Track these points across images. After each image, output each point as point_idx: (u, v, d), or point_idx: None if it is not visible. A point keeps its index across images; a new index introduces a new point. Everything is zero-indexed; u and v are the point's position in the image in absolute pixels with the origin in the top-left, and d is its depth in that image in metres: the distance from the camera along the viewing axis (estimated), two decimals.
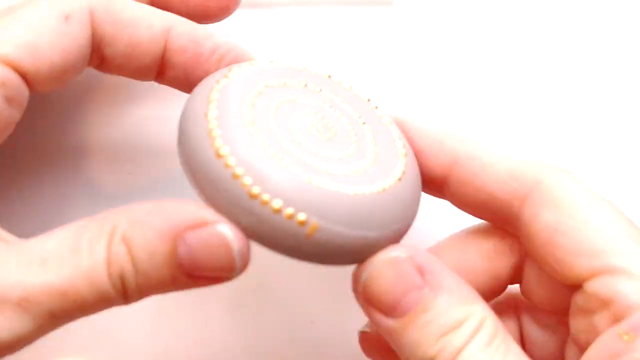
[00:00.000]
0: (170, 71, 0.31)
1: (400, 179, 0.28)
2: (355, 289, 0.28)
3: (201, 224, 0.26)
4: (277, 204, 0.26)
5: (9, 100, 0.28)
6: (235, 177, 0.26)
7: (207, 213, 0.26)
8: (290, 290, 0.37)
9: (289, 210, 0.26)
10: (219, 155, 0.26)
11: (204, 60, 0.31)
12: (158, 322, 0.38)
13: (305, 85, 0.29)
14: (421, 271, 0.27)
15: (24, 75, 0.29)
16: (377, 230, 0.27)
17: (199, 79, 0.30)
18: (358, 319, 0.31)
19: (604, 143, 0.37)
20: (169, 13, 0.31)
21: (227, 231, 0.26)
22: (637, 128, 0.37)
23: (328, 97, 0.30)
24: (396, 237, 0.28)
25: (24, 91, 0.29)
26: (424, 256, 0.27)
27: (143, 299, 0.27)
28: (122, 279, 0.26)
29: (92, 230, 0.26)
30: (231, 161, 0.26)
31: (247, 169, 0.26)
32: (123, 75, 0.32)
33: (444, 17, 0.38)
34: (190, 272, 0.26)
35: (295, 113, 0.28)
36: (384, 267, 0.27)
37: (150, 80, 0.32)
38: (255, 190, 0.26)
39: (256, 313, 0.37)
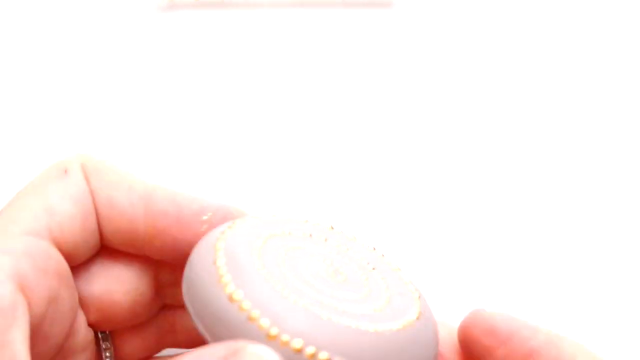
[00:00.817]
0: (157, 239, 0.30)
1: (418, 318, 0.28)
2: None
3: (234, 353, 0.25)
4: (297, 343, 0.25)
5: (44, 270, 0.27)
6: (251, 319, 0.25)
7: (236, 342, 0.25)
8: None
9: (310, 350, 0.25)
10: (232, 300, 0.26)
11: (190, 223, 0.30)
12: None
13: (310, 235, 0.29)
14: None
15: (50, 239, 0.28)
16: None
17: (190, 245, 0.29)
18: None
19: (604, 143, 0.37)
20: (153, 182, 0.31)
21: (259, 349, 0.25)
22: (637, 128, 0.37)
23: (334, 246, 0.29)
24: None
25: (56, 257, 0.28)
26: None
27: None
28: None
29: None
30: (246, 305, 0.25)
31: (263, 310, 0.25)
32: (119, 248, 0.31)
33: (443, 19, 0.38)
34: None
35: (304, 259, 0.28)
36: None
37: (144, 254, 0.31)
38: (274, 331, 0.25)
39: None
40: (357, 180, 0.37)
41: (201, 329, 0.27)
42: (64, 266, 0.28)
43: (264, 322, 0.25)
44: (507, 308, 0.37)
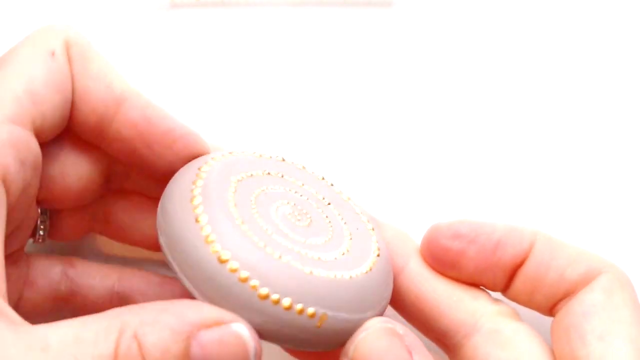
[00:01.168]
0: (117, 143, 0.31)
1: (379, 255, 0.30)
2: (345, 354, 0.28)
3: (216, 323, 0.26)
4: (287, 301, 0.27)
5: (22, 162, 0.28)
6: (242, 280, 0.27)
7: (222, 313, 0.26)
8: None
9: (299, 306, 0.27)
10: (221, 261, 0.27)
11: (154, 142, 0.30)
12: None
13: (269, 174, 0.31)
14: (409, 351, 0.27)
15: (32, 128, 0.28)
16: (372, 310, 0.29)
17: (147, 160, 0.30)
18: None
19: (603, 144, 0.37)
20: (133, 86, 0.31)
21: (243, 331, 0.26)
22: (637, 128, 0.37)
23: (290, 182, 0.31)
24: (382, 313, 0.30)
25: (35, 149, 0.28)
26: (413, 338, 0.28)
27: None
28: None
29: (100, 324, 0.26)
30: (234, 265, 0.27)
31: (252, 271, 0.27)
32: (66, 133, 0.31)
33: (444, 19, 0.38)
34: None
35: (272, 205, 0.30)
36: (379, 335, 0.28)
37: (95, 144, 0.31)
38: (264, 291, 0.27)
39: None
40: (356, 181, 0.37)
41: (188, 285, 0.28)
42: (40, 158, 0.29)
43: (254, 282, 0.27)
44: None
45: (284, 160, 0.32)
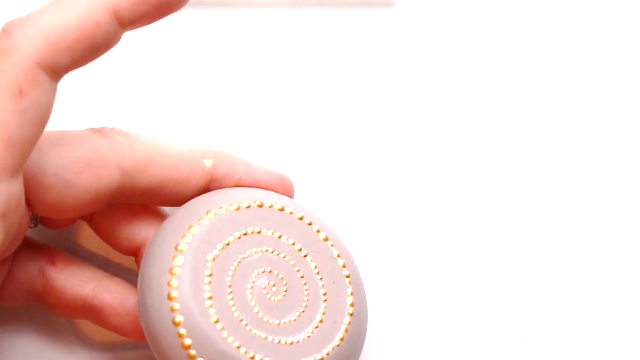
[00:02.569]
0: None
1: (352, 315, 0.32)
2: None
3: None
4: None
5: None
6: None
7: None
8: None
9: None
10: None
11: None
12: None
13: (246, 234, 0.32)
14: None
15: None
16: None
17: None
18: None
19: (603, 144, 0.38)
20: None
21: None
22: (637, 128, 0.37)
23: (267, 238, 0.32)
24: None
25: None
26: None
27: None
28: None
29: None
30: None
31: None
32: None
33: (447, 19, 0.38)
34: None
35: (248, 281, 0.31)
36: None
37: None
38: None
39: None
40: (356, 183, 0.37)
41: (151, 346, 0.30)
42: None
43: None
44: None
45: (262, 206, 0.32)
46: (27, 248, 0.33)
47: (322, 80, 0.38)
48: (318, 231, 0.32)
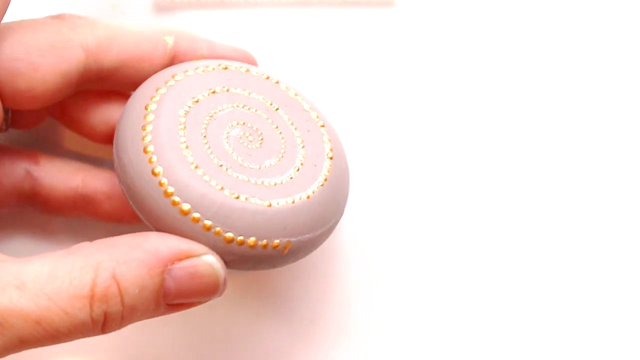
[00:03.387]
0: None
1: (332, 158, 0.31)
2: None
3: (187, 256, 0.28)
4: (252, 240, 0.29)
5: None
6: (206, 228, 0.28)
7: (193, 245, 0.28)
8: (290, 289, 0.37)
9: (264, 242, 0.29)
10: (184, 212, 0.28)
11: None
12: (157, 322, 0.38)
13: (214, 92, 0.31)
14: None
15: None
16: (335, 217, 0.31)
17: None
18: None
19: (604, 144, 0.38)
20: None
21: (213, 262, 0.28)
22: (636, 128, 0.38)
23: (237, 95, 0.32)
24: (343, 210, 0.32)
25: None
26: None
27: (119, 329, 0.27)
28: (105, 314, 0.26)
29: (74, 263, 0.26)
30: (197, 215, 0.28)
31: (215, 218, 0.28)
32: None
33: (446, 18, 0.38)
34: (172, 301, 0.28)
35: (222, 131, 0.31)
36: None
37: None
38: (229, 235, 0.28)
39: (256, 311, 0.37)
40: (356, 182, 0.37)
41: (135, 208, 0.29)
42: None
43: (218, 229, 0.28)
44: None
45: (226, 68, 0.32)
46: (7, 153, 0.33)
47: (322, 80, 0.38)
48: (287, 88, 0.33)
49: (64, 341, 0.26)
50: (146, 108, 0.30)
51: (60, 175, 0.33)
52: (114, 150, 0.30)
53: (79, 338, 0.27)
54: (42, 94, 0.30)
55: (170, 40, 0.32)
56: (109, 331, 0.27)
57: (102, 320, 0.27)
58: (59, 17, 0.31)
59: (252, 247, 0.29)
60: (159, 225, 0.29)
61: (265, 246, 0.29)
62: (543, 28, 0.38)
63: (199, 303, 0.29)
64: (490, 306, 0.37)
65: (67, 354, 0.37)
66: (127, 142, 0.29)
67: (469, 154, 0.37)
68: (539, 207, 0.37)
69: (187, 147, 0.29)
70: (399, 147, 0.37)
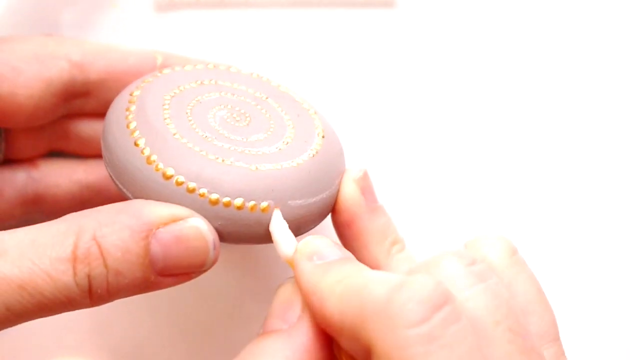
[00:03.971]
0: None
1: (324, 137, 0.31)
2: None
3: (173, 220, 0.27)
4: (238, 201, 0.28)
5: None
6: (190, 191, 0.28)
7: (179, 209, 0.27)
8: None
9: (251, 203, 0.28)
10: (167, 177, 0.28)
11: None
12: (156, 323, 0.38)
13: (202, 83, 0.31)
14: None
15: None
16: (328, 190, 0.30)
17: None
18: None
19: (604, 145, 0.37)
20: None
21: (201, 224, 0.27)
22: (636, 128, 0.37)
23: (225, 86, 0.31)
24: (338, 186, 0.31)
25: None
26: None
27: (110, 301, 0.27)
28: (89, 278, 0.26)
29: (57, 228, 0.26)
30: (181, 178, 0.28)
31: (198, 180, 0.28)
32: None
33: (447, 19, 0.37)
34: (162, 270, 0.27)
35: (209, 112, 0.30)
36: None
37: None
38: (214, 196, 0.27)
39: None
40: None
41: (121, 187, 0.29)
42: None
43: (202, 191, 0.27)
44: None
45: (215, 67, 0.32)
46: (5, 164, 0.33)
47: (322, 80, 0.37)
48: (278, 84, 0.32)
49: (54, 311, 0.26)
50: (131, 94, 0.30)
51: (61, 172, 0.33)
52: (101, 137, 0.30)
53: (68, 309, 0.26)
54: (25, 101, 0.30)
55: (159, 57, 0.32)
56: (98, 301, 0.26)
57: (87, 285, 0.26)
58: (47, 34, 0.32)
59: (240, 208, 0.28)
60: (145, 194, 0.28)
61: (253, 208, 0.28)
62: (543, 28, 0.38)
63: (193, 274, 0.27)
64: None
65: (67, 354, 0.37)
66: (112, 123, 0.29)
67: (468, 153, 0.37)
68: (535, 203, 0.37)
69: (170, 122, 0.29)
70: (399, 146, 0.37)
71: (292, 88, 0.33)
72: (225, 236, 0.28)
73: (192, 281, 0.36)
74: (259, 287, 0.37)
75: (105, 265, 0.26)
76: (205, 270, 0.28)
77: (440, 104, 0.37)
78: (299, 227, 0.29)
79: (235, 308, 0.38)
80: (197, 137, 0.29)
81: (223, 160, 0.28)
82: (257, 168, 0.28)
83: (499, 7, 0.37)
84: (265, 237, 0.28)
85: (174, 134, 0.28)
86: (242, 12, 0.38)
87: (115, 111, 0.30)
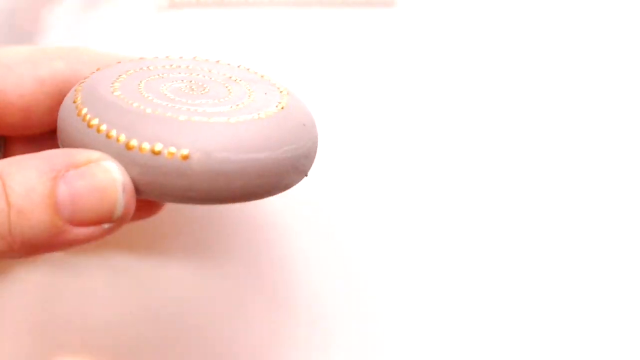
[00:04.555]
0: None
1: (282, 108, 0.29)
2: None
3: (85, 164, 0.26)
4: (158, 147, 0.26)
5: None
6: (109, 136, 0.27)
7: (92, 153, 0.26)
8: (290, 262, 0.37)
9: (171, 149, 0.26)
10: (90, 126, 0.27)
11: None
12: (156, 323, 0.38)
13: (171, 66, 0.30)
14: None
15: None
16: (268, 151, 0.27)
17: None
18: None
19: (605, 145, 0.38)
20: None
21: (111, 166, 0.26)
22: (636, 129, 0.38)
23: (197, 69, 0.30)
24: (292, 160, 0.28)
25: None
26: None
27: (22, 253, 0.26)
28: None
29: None
30: (104, 127, 0.27)
31: (120, 127, 0.27)
32: None
33: (447, 18, 0.38)
34: (70, 216, 0.26)
35: (163, 84, 0.29)
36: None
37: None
38: (134, 142, 0.26)
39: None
40: (355, 182, 0.37)
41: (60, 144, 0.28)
42: None
43: (123, 138, 0.26)
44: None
45: (195, 58, 0.31)
46: None
47: (322, 80, 0.38)
48: (262, 75, 0.31)
49: None
50: (85, 78, 0.30)
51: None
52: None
53: None
54: (16, 100, 0.30)
55: None
56: (7, 250, 0.26)
57: None
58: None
59: (156, 154, 0.26)
60: (71, 144, 0.27)
61: (171, 154, 0.26)
62: (544, 27, 0.38)
63: (104, 223, 0.26)
64: (490, 309, 0.37)
65: (67, 354, 0.37)
66: (63, 109, 0.29)
67: (468, 154, 0.37)
68: (537, 208, 0.37)
69: (117, 87, 0.28)
70: (399, 146, 0.37)
71: (280, 79, 0.31)
72: (144, 188, 0.27)
73: (192, 280, 0.36)
74: (260, 286, 0.37)
75: (7, 202, 0.25)
76: (117, 223, 0.27)
77: (440, 104, 0.38)
78: (228, 182, 0.27)
79: (236, 308, 0.38)
80: (136, 95, 0.28)
81: (152, 112, 0.27)
82: (188, 119, 0.27)
83: (499, 7, 0.38)
84: (187, 193, 0.27)
85: (113, 92, 0.28)
86: (242, 12, 0.38)
87: (67, 98, 0.29)
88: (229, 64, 0.31)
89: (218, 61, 0.32)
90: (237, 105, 0.28)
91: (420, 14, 0.38)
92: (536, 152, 0.37)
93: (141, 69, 0.30)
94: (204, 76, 0.30)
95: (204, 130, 0.27)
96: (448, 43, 0.38)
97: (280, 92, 0.30)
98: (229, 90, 0.29)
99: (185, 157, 0.26)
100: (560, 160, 0.38)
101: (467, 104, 0.38)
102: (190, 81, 0.29)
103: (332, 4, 0.38)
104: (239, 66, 0.31)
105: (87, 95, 0.28)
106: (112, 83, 0.29)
